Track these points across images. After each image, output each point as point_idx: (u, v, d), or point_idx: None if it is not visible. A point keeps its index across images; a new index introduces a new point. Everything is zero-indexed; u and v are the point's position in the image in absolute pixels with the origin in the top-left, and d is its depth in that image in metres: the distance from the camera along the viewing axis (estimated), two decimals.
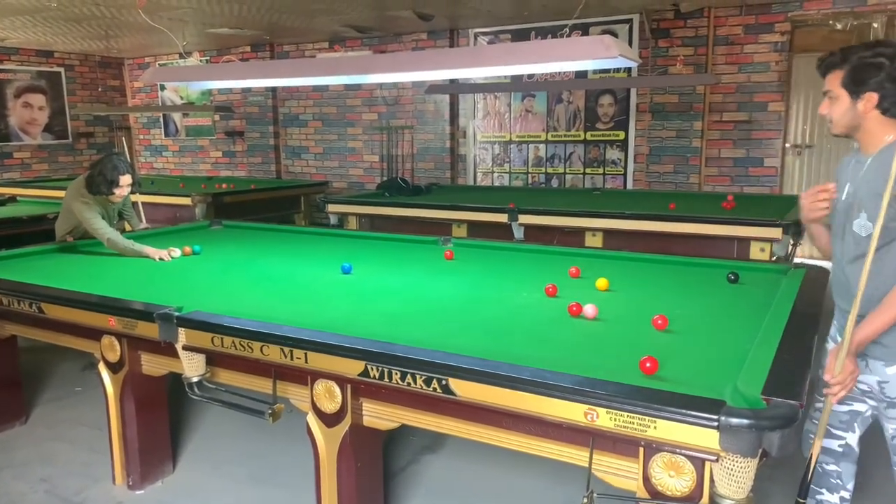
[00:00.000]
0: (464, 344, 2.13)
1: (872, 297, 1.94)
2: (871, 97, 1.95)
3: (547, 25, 7.65)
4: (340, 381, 2.22)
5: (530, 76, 7.65)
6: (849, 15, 6.47)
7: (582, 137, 7.84)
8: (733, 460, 1.59)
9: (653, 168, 7.32)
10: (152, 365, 2.83)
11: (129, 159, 3.95)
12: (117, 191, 3.82)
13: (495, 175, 8.44)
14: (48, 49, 9.75)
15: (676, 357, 2.07)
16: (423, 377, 1.96)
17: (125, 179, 3.82)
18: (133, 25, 7.65)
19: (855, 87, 1.97)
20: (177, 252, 3.73)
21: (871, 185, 1.95)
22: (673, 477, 1.70)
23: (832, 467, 2.27)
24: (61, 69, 10.10)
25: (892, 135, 1.98)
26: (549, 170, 8.09)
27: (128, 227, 4.27)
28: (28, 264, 3.53)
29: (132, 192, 4.00)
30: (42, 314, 2.88)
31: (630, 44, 7.23)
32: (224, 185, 7.55)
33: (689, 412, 1.61)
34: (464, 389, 1.91)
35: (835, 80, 2.02)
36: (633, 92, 7.40)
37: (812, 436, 2.27)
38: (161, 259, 3.64)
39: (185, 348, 2.50)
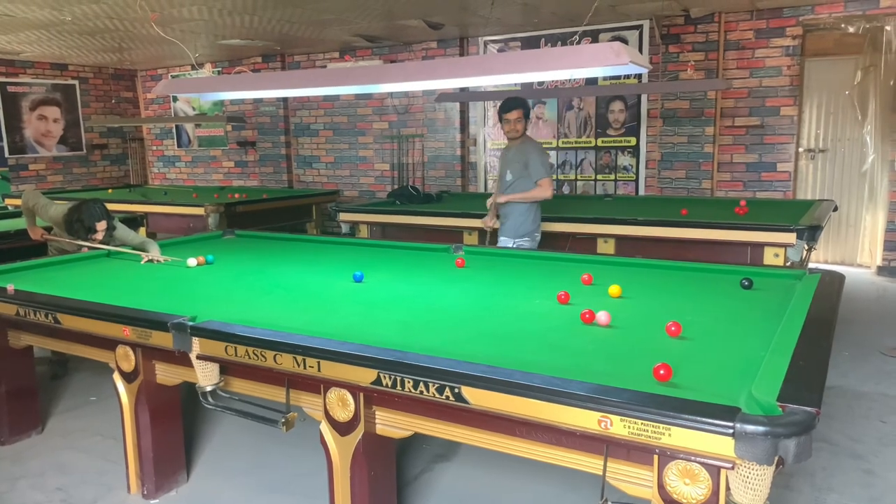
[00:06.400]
0: (476, 352, 2.13)
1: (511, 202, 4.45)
2: (527, 122, 4.48)
3: (557, 32, 7.67)
4: (353, 389, 2.22)
5: (540, 83, 7.66)
6: (861, 18, 6.44)
7: (593, 144, 7.83)
8: (749, 468, 1.58)
9: (665, 174, 7.30)
10: (166, 374, 2.85)
11: (105, 206, 4.15)
12: (93, 237, 4.02)
13: None
14: (62, 62, 9.88)
15: (690, 364, 2.06)
16: (436, 385, 1.96)
17: (101, 226, 4.03)
18: (146, 38, 7.74)
19: (528, 117, 4.47)
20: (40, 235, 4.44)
21: (517, 157, 4.42)
22: (688, 485, 1.69)
23: None
24: (75, 82, 10.23)
25: (519, 141, 4.47)
26: (561, 176, 8.09)
27: (152, 254, 4.04)
28: (44, 275, 3.56)
29: (111, 234, 4.15)
30: (58, 325, 2.91)
31: (640, 50, 7.22)
32: (236, 195, 7.60)
33: (703, 419, 1.60)
34: (476, 397, 1.91)
35: (519, 113, 4.38)
36: (643, 98, 7.39)
37: None
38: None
39: (198, 357, 2.51)
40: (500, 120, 4.49)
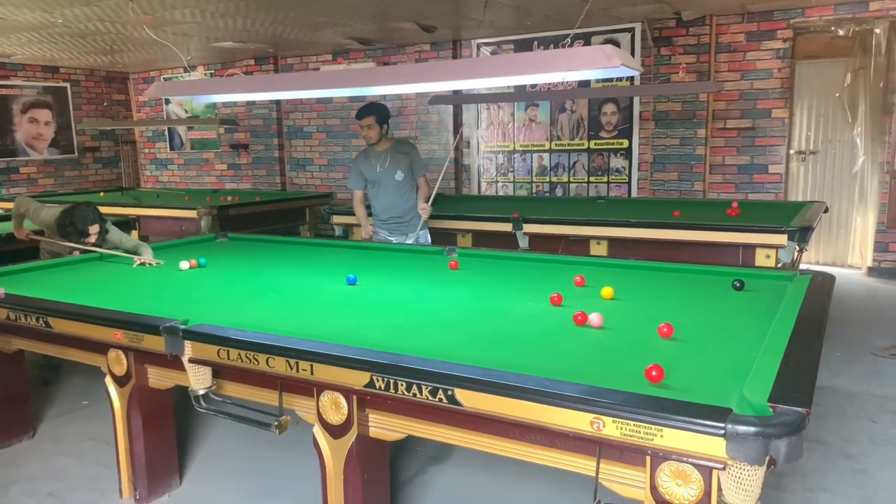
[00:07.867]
0: (469, 354, 2.13)
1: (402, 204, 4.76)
2: (385, 126, 4.64)
3: (549, 35, 7.69)
4: (346, 392, 2.22)
5: (533, 85, 7.67)
6: (851, 21, 6.49)
7: (586, 146, 7.85)
8: (740, 468, 1.59)
9: (657, 176, 7.33)
10: (159, 378, 2.84)
11: (98, 209, 4.14)
12: (86, 240, 4.02)
13: (499, 185, 8.45)
14: (54, 64, 9.84)
15: (682, 365, 2.07)
16: (429, 388, 1.96)
17: (94, 229, 4.03)
18: (138, 40, 7.72)
19: (382, 122, 4.60)
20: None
21: (400, 157, 4.68)
22: (680, 486, 1.70)
23: None
24: (67, 84, 10.19)
25: (389, 143, 4.73)
26: (554, 179, 8.11)
27: (145, 258, 4.00)
28: (35, 278, 3.55)
29: (103, 237, 4.13)
30: (49, 328, 2.90)
31: (632, 52, 7.25)
32: (229, 198, 7.59)
33: (695, 420, 1.61)
34: (470, 400, 1.91)
35: (372, 120, 4.54)
36: (636, 100, 7.42)
37: None
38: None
39: (191, 361, 2.51)
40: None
